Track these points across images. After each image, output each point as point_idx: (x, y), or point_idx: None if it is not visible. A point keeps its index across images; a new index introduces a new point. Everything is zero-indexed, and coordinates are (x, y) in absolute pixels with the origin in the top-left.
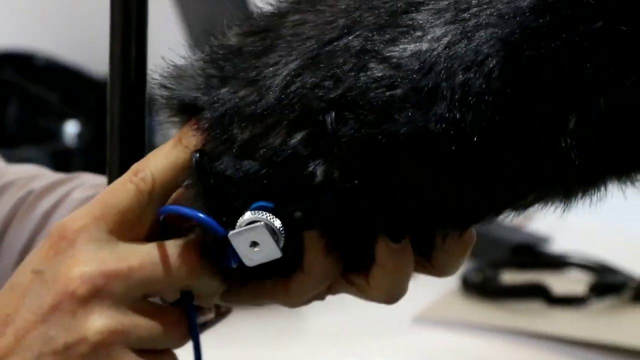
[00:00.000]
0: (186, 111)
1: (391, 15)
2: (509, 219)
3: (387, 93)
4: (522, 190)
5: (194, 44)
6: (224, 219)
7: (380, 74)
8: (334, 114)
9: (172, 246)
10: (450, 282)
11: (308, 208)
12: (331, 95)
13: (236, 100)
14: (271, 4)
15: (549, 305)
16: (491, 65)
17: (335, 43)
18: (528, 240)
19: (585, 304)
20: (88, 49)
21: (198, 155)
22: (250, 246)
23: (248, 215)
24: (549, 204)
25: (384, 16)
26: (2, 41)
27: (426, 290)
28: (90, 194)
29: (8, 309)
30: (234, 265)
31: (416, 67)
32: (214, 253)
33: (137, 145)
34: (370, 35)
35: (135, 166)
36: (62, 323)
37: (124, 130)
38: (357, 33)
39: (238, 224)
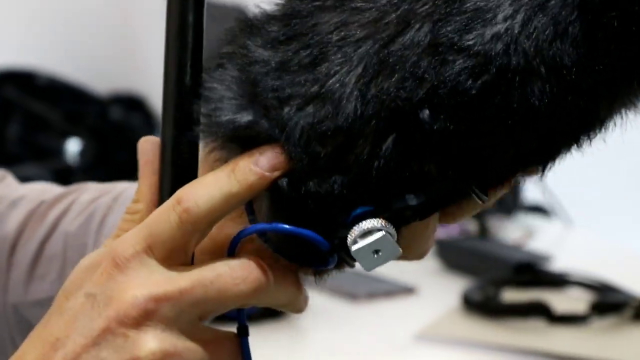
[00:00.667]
0: (243, 134)
1: (449, 1)
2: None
3: (479, 81)
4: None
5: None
6: (323, 233)
7: (465, 65)
8: (427, 111)
9: (223, 266)
10: (452, 300)
11: (416, 205)
12: (420, 95)
13: (307, 118)
14: (273, 4)
15: (550, 324)
16: (576, 31)
17: (399, 40)
18: (529, 259)
19: (586, 322)
20: (90, 67)
21: (286, 180)
22: (373, 254)
23: (363, 226)
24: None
25: (440, 4)
26: (4, 59)
27: (428, 308)
28: (96, 195)
29: (58, 333)
30: (330, 267)
31: (501, 50)
32: (307, 264)
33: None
34: (435, 27)
35: (179, 194)
36: (114, 346)
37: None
38: (417, 26)
39: (351, 238)
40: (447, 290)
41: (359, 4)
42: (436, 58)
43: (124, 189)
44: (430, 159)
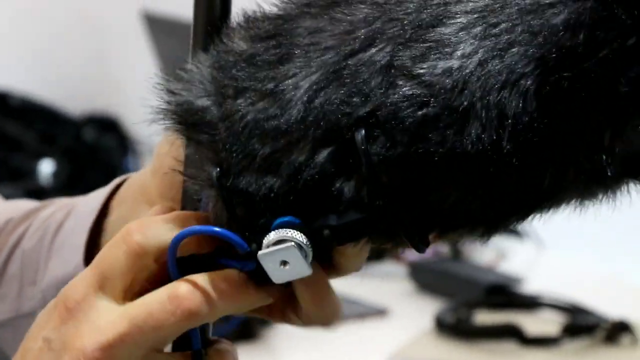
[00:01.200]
0: (193, 120)
1: (416, 28)
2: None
3: (419, 112)
4: (553, 197)
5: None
6: (247, 234)
7: (410, 92)
8: (364, 131)
9: (153, 302)
10: (425, 323)
11: (336, 227)
12: (360, 113)
13: (255, 113)
14: (275, 5)
15: (522, 346)
16: (527, 85)
17: (359, 56)
18: (501, 281)
19: (558, 344)
20: (63, 88)
21: (218, 171)
22: (280, 265)
23: (275, 235)
24: (567, 203)
25: (408, 29)
26: None
27: (401, 330)
28: (54, 210)
29: None
30: (251, 269)
31: (448, 85)
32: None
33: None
34: (395, 49)
35: (127, 227)
36: None
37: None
38: (381, 46)
39: (265, 242)
40: (420, 312)
41: (338, 15)
42: (386, 80)
43: (79, 202)
44: (360, 183)
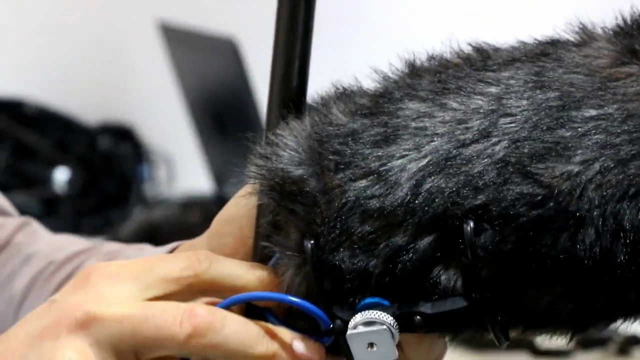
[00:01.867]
0: (290, 189)
1: (534, 127)
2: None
3: (534, 212)
4: None
5: (186, 98)
6: (331, 310)
7: (526, 191)
8: (472, 223)
9: (172, 305)
10: None
11: (430, 315)
12: (471, 204)
13: (357, 190)
14: (374, 80)
15: (534, 358)
16: None
17: (472, 146)
18: None
19: (570, 356)
20: (79, 97)
21: (313, 243)
22: (367, 347)
23: (362, 316)
24: None
25: (526, 127)
26: None
27: None
28: (100, 260)
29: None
30: (326, 343)
31: (566, 189)
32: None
33: None
34: (512, 145)
35: (200, 253)
36: (40, 348)
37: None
38: (496, 140)
39: (352, 322)
40: None
41: (449, 102)
42: (501, 175)
43: (113, 251)
44: (456, 272)
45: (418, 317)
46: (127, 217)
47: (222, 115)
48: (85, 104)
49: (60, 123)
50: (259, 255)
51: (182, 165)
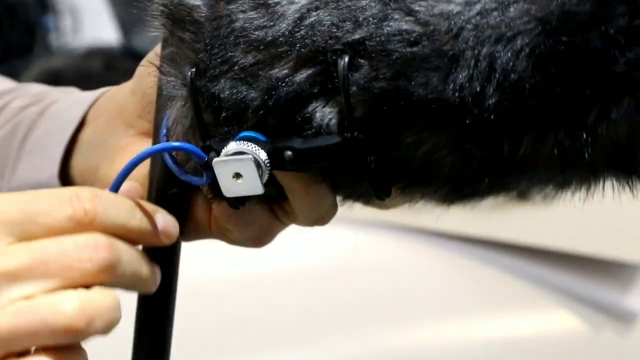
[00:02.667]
0: (180, 15)
1: None
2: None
3: (409, 49)
4: (525, 170)
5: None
6: (208, 142)
7: (404, 27)
8: (347, 58)
9: (69, 242)
10: None
11: (300, 150)
12: (348, 39)
13: (244, 20)
14: None
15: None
16: (522, 43)
17: None
18: None
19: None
20: None
21: (194, 71)
22: (233, 177)
23: (234, 145)
24: (541, 188)
25: None
26: None
27: None
28: (26, 102)
29: None
30: (202, 184)
31: (443, 28)
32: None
33: None
34: None
35: (77, 190)
36: None
37: None
38: None
39: (223, 152)
40: None
41: None
42: (383, 11)
43: (54, 100)
44: (331, 110)
45: (289, 152)
46: (30, 67)
47: None
48: None
49: None
50: (162, 91)
51: (88, 15)
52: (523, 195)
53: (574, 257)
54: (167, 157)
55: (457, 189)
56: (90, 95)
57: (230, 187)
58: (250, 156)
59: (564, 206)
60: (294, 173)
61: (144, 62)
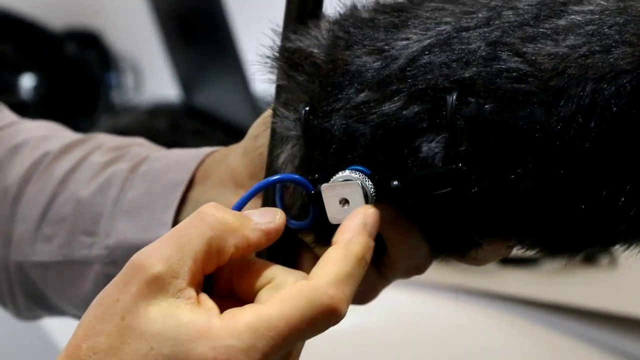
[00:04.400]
0: (298, 59)
1: (534, 17)
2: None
3: (515, 85)
4: (621, 214)
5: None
6: (317, 175)
7: (511, 66)
8: (456, 94)
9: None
10: None
11: (406, 179)
12: (457, 77)
13: (359, 64)
14: None
15: (502, 266)
16: (625, 80)
17: (472, 31)
18: None
19: (537, 264)
20: (44, 1)
21: (308, 109)
22: (340, 203)
23: (343, 173)
24: (633, 245)
25: (527, 17)
26: None
27: None
28: (108, 158)
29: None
30: (305, 227)
31: (550, 67)
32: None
33: None
34: (508, 30)
35: (201, 207)
36: None
37: None
38: (496, 26)
39: (332, 180)
40: None
41: (464, 1)
42: (492, 52)
43: (142, 157)
44: (438, 144)
45: (395, 181)
46: (95, 125)
47: (189, 20)
48: (50, 7)
49: (25, 27)
50: (275, 131)
51: (150, 72)
52: (590, 258)
53: None
54: (277, 198)
55: (554, 235)
56: (192, 155)
57: (336, 214)
58: (359, 182)
59: (631, 269)
60: (395, 221)
61: (255, 124)
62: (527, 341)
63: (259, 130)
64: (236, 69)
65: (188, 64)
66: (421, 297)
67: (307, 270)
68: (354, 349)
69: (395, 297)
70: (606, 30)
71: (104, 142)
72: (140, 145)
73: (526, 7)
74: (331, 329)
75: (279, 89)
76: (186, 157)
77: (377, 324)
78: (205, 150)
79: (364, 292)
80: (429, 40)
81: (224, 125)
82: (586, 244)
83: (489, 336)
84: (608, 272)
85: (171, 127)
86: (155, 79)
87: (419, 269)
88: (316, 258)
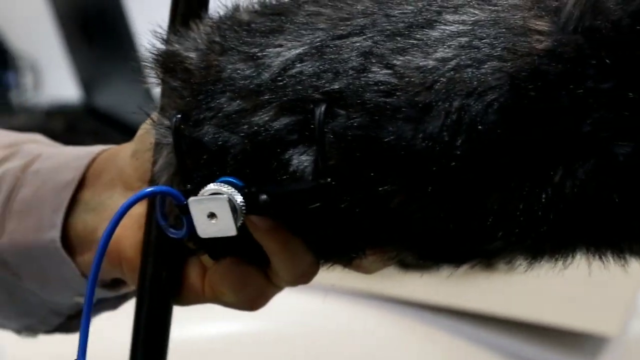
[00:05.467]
0: (173, 65)
1: (407, 27)
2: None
3: (383, 99)
4: (491, 232)
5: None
6: (188, 186)
7: (380, 79)
8: (324, 106)
9: None
10: None
11: (275, 194)
12: (327, 88)
13: (232, 70)
14: None
15: (402, 269)
16: (492, 97)
17: (346, 39)
18: None
19: (438, 268)
20: None
21: (179, 117)
22: (208, 217)
23: (212, 186)
24: (514, 259)
25: (400, 26)
26: None
27: None
28: (1, 155)
29: None
30: (182, 237)
31: (417, 81)
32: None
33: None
34: (380, 39)
35: None
36: None
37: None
38: (369, 35)
39: (201, 192)
40: None
41: (340, 4)
42: (362, 64)
43: (35, 155)
44: (307, 157)
45: (264, 195)
46: None
47: (89, 20)
48: None
49: None
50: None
51: (50, 72)
52: (489, 263)
53: (541, 328)
54: (158, 206)
55: (431, 249)
56: (83, 154)
57: (204, 228)
58: (226, 196)
59: (529, 275)
60: (272, 232)
61: (143, 125)
62: (423, 344)
63: (146, 131)
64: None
65: (88, 64)
66: (317, 300)
67: (192, 275)
68: (246, 355)
69: (292, 299)
70: (477, 43)
71: (4, 138)
72: (35, 142)
73: (400, 15)
74: (226, 333)
75: (161, 94)
76: (77, 156)
77: (271, 329)
78: (97, 149)
79: (254, 298)
80: (302, 48)
81: (123, 126)
82: (465, 257)
83: (385, 338)
84: (505, 278)
85: (68, 128)
86: (54, 78)
87: (306, 277)
88: (201, 263)
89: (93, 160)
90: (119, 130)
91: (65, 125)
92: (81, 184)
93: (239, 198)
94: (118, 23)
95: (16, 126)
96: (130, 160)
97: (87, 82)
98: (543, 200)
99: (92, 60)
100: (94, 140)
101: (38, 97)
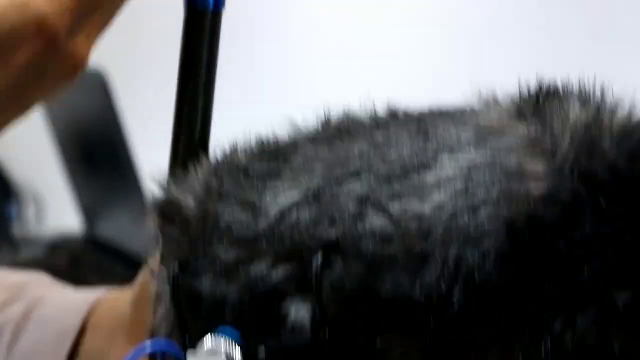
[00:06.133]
0: (172, 215)
1: (404, 170)
2: None
3: (379, 249)
4: None
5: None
6: (187, 338)
7: (376, 227)
8: (321, 255)
9: None
10: None
11: (272, 349)
12: (324, 237)
13: (230, 218)
14: (289, 134)
15: None
16: (489, 245)
17: (342, 185)
18: None
19: None
20: None
21: (177, 267)
22: None
23: (210, 341)
24: None
25: (396, 169)
26: None
27: None
28: (2, 299)
29: None
30: None
31: (414, 229)
32: None
33: None
34: (376, 184)
35: None
36: None
37: None
38: (365, 179)
39: (198, 347)
40: None
41: (336, 148)
42: (358, 209)
43: (37, 299)
44: (306, 308)
45: (262, 351)
46: None
47: (91, 150)
48: None
49: None
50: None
51: (52, 203)
52: None
53: None
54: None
55: None
56: (83, 299)
57: None
58: (223, 356)
59: None
60: None
61: (142, 271)
62: None
63: (147, 278)
64: (138, 199)
65: (90, 194)
66: None
67: None
68: None
69: None
70: (473, 188)
71: (5, 280)
72: (37, 284)
73: (395, 158)
74: None
75: (157, 241)
76: (76, 304)
77: None
78: (94, 296)
79: None
80: (297, 195)
81: (125, 258)
82: None
83: None
84: None
85: (71, 262)
86: (57, 209)
87: None
88: None
89: (94, 306)
90: (122, 261)
91: (69, 259)
92: (82, 331)
93: (237, 355)
94: (119, 151)
95: (20, 262)
96: (130, 308)
97: (90, 211)
98: (542, 352)
99: (94, 189)
100: (97, 274)
101: (40, 229)
